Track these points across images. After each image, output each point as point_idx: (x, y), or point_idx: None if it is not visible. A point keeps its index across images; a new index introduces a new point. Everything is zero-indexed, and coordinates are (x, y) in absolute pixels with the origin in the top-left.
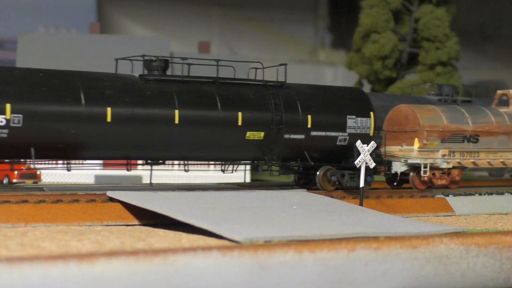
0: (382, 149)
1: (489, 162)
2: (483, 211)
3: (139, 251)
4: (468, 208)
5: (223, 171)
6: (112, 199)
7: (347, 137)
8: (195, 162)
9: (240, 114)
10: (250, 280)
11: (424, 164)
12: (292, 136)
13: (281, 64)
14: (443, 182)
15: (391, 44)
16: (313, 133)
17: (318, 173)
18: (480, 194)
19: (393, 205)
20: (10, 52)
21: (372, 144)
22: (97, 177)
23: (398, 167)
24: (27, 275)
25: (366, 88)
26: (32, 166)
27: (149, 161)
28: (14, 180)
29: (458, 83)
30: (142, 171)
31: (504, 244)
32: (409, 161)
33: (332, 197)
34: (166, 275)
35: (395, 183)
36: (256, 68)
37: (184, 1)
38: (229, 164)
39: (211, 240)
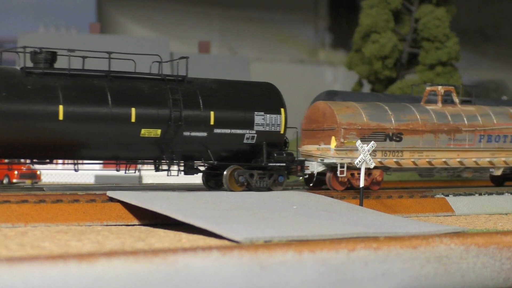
0: (301, 148)
1: (414, 162)
2: (483, 211)
3: (139, 251)
4: (468, 208)
5: (117, 170)
6: (112, 199)
7: (255, 135)
8: (90, 162)
9: (133, 110)
10: (250, 280)
11: (340, 163)
12: (193, 134)
13: (182, 57)
14: (364, 183)
15: (391, 44)
16: (217, 131)
17: (225, 172)
18: (480, 194)
19: (393, 205)
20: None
21: (372, 144)
22: (97, 177)
23: (314, 167)
24: (27, 275)
25: (366, 88)
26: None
27: (34, 160)
28: (14, 180)
29: (458, 83)
30: (143, 171)
31: (504, 244)
32: (325, 160)
33: (332, 197)
34: (166, 275)
35: (311, 184)
36: (158, 62)
37: (184, 1)
38: (125, 164)
39: (211, 240)
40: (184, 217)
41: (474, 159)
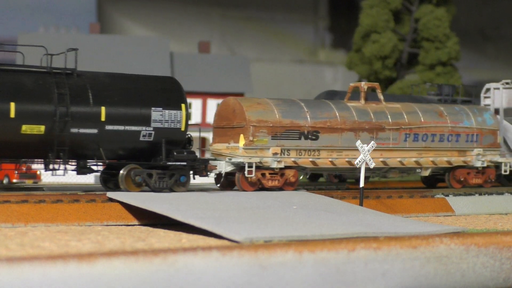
0: (211, 147)
1: (332, 162)
2: (483, 211)
3: (139, 251)
4: (468, 208)
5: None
6: (112, 199)
7: (153, 132)
8: None
9: (12, 104)
10: (250, 280)
11: (249, 163)
12: (82, 131)
13: (71, 50)
14: (275, 183)
15: (391, 44)
16: (109, 127)
17: (121, 172)
18: (480, 194)
19: (393, 205)
20: (10, 52)
21: (372, 144)
22: (97, 177)
23: (223, 167)
24: (27, 275)
25: None
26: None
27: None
28: (14, 180)
29: (458, 83)
30: None
31: (504, 244)
32: (233, 159)
33: (332, 197)
34: (166, 275)
35: (218, 185)
36: (48, 54)
37: (184, 1)
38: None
39: (211, 240)
40: (184, 218)
41: (399, 159)
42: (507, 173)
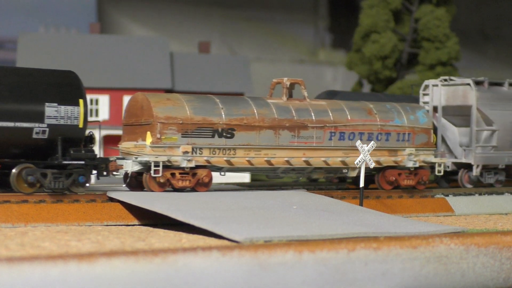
0: (121, 145)
1: (249, 161)
2: (483, 211)
3: (139, 251)
4: (468, 208)
5: None
6: (112, 199)
7: (47, 129)
8: None
9: None
10: (250, 280)
11: (155, 162)
12: None
13: None
14: (186, 184)
15: (391, 44)
16: None
17: (13, 171)
18: (480, 194)
19: (393, 205)
20: (10, 52)
21: (372, 144)
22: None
23: (129, 166)
24: (27, 275)
25: (366, 88)
26: None
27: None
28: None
29: None
30: None
31: (504, 244)
32: (139, 158)
33: (332, 197)
34: (166, 275)
35: (124, 185)
36: None
37: (184, 1)
38: None
39: (211, 240)
40: (184, 217)
41: (323, 159)
42: (441, 173)
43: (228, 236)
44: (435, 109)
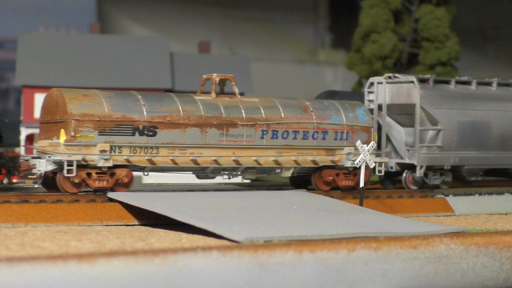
0: (37, 143)
1: (173, 161)
2: (483, 211)
3: (139, 251)
4: (468, 208)
5: None
6: (112, 199)
7: None
8: None
9: None
10: (250, 280)
11: (68, 161)
12: None
13: None
14: (103, 184)
15: (391, 44)
16: None
17: None
18: (480, 194)
19: (393, 205)
20: (10, 52)
21: (372, 144)
22: None
23: (43, 165)
24: (27, 275)
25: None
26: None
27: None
28: (14, 180)
29: None
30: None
31: (504, 244)
32: (52, 157)
33: (332, 197)
34: (166, 275)
35: (36, 185)
36: None
37: (184, 1)
38: None
39: (211, 240)
40: (184, 218)
41: (254, 158)
42: (382, 173)
43: (228, 236)
44: (380, 107)
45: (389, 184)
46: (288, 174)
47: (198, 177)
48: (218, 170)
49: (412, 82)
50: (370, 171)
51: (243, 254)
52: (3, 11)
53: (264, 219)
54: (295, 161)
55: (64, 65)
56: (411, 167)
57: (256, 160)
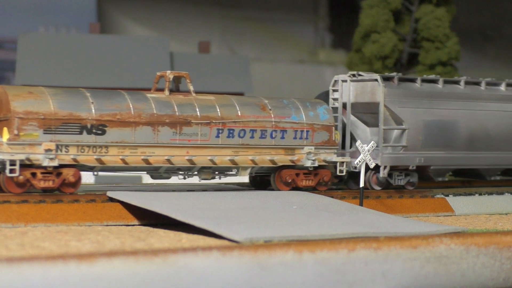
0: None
1: (123, 160)
2: (483, 211)
3: (139, 251)
4: (468, 208)
5: None
6: (112, 199)
7: None
8: None
9: None
10: (250, 280)
11: (11, 160)
12: None
13: None
14: (49, 184)
15: (391, 44)
16: None
17: None
18: (480, 194)
19: (393, 205)
20: (10, 52)
21: (372, 144)
22: (97, 177)
23: None
24: (27, 275)
25: None
26: None
27: None
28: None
29: None
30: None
31: (504, 244)
32: None
33: (332, 197)
34: (166, 275)
35: None
36: None
37: (184, 1)
38: None
39: (211, 240)
40: (184, 217)
41: (209, 158)
42: (343, 173)
43: (228, 236)
44: (345, 106)
45: (353, 185)
46: (245, 174)
47: (152, 177)
48: (172, 170)
49: (376, 80)
50: (331, 171)
51: (243, 254)
52: (3, 11)
53: (264, 219)
54: (253, 161)
55: (64, 65)
56: (375, 167)
57: (211, 160)
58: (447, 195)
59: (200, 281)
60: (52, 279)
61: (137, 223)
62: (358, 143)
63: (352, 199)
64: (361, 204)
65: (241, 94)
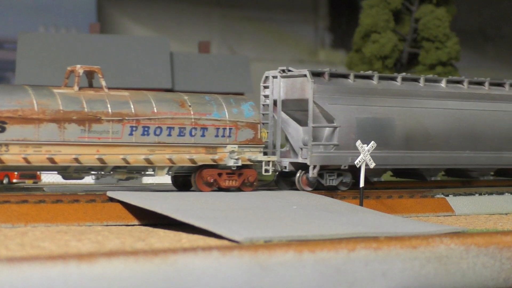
0: None
1: (25, 159)
2: (483, 211)
3: (139, 251)
4: (468, 208)
5: None
6: (112, 199)
7: None
8: None
9: None
10: (250, 280)
11: None
12: None
13: None
14: None
15: (391, 44)
16: None
17: None
18: (480, 194)
19: (393, 205)
20: (10, 52)
21: (372, 144)
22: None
23: None
24: (27, 275)
25: None
26: None
27: None
28: (14, 180)
29: None
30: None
31: (504, 244)
32: None
33: (332, 197)
34: (166, 275)
35: None
36: None
37: (184, 1)
38: None
39: (211, 240)
40: (184, 217)
41: (122, 157)
42: (269, 173)
43: (228, 236)
44: (276, 103)
45: (284, 185)
46: (162, 174)
47: (64, 177)
48: (83, 170)
49: (305, 75)
50: (257, 170)
51: (243, 254)
52: (3, 11)
53: (264, 219)
54: (170, 160)
55: (64, 65)
56: (306, 167)
57: (124, 159)
58: (447, 195)
59: (200, 281)
60: (52, 279)
61: (137, 223)
62: (358, 143)
63: (352, 199)
64: (361, 204)
65: (241, 94)
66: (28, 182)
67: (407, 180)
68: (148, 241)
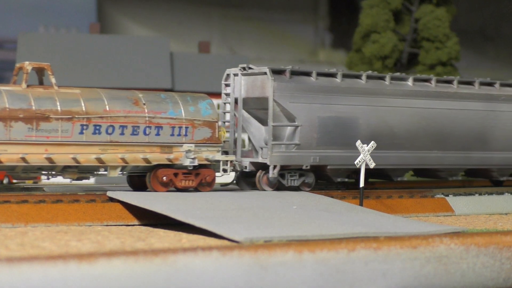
0: None
1: None
2: (483, 211)
3: (139, 251)
4: (468, 208)
5: None
6: (112, 199)
7: None
8: None
9: None
10: (250, 280)
11: None
12: None
13: None
14: None
15: (391, 44)
16: None
17: None
18: (480, 194)
19: (393, 205)
20: (10, 52)
21: (372, 144)
22: (97, 177)
23: None
24: (27, 275)
25: None
26: None
27: None
28: (14, 180)
29: None
30: None
31: (504, 244)
32: None
33: (332, 197)
34: (166, 275)
35: None
36: None
37: (184, 1)
38: None
39: (211, 240)
40: (184, 217)
41: (72, 156)
42: (228, 173)
43: (228, 236)
44: (237, 101)
45: (245, 185)
46: (115, 174)
47: (13, 177)
48: (32, 170)
49: (265, 73)
50: (214, 170)
51: (243, 254)
52: (3, 11)
53: (264, 219)
54: (123, 159)
55: (64, 65)
56: (267, 167)
57: (74, 158)
58: (447, 195)
59: (200, 281)
60: (52, 279)
61: (137, 223)
62: (358, 143)
63: (352, 199)
64: (361, 204)
65: None
66: (28, 182)
67: (407, 180)
68: (148, 241)
